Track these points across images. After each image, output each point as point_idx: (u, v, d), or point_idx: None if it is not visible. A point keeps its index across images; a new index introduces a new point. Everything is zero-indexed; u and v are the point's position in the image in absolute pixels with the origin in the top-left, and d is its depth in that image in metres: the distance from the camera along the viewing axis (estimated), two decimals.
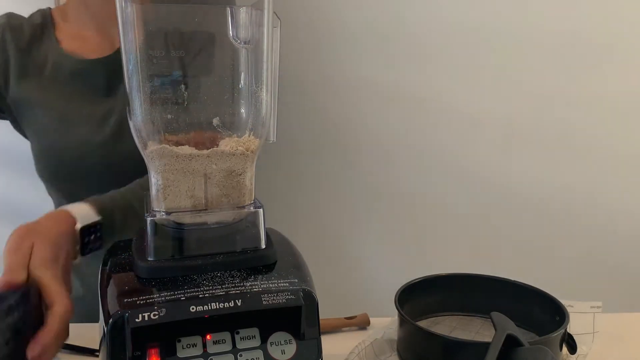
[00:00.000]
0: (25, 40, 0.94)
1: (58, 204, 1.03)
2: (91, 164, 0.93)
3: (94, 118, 0.92)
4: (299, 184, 1.37)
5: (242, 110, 0.59)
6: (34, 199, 1.01)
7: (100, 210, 0.73)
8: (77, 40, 0.96)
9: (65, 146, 0.92)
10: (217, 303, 0.51)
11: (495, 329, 0.53)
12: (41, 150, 0.95)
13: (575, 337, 0.68)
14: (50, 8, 1.01)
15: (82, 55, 0.94)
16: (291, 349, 0.54)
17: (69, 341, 0.69)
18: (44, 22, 0.97)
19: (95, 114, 0.93)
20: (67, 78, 0.93)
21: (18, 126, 0.98)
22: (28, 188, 0.98)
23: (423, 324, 0.73)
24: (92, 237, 0.72)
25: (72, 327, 0.64)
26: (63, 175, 0.95)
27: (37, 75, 0.94)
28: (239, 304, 0.51)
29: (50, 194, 1.01)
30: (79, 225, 0.69)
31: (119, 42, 0.93)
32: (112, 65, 0.94)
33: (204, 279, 0.54)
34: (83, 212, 0.71)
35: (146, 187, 0.76)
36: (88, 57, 0.94)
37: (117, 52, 0.93)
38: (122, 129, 0.92)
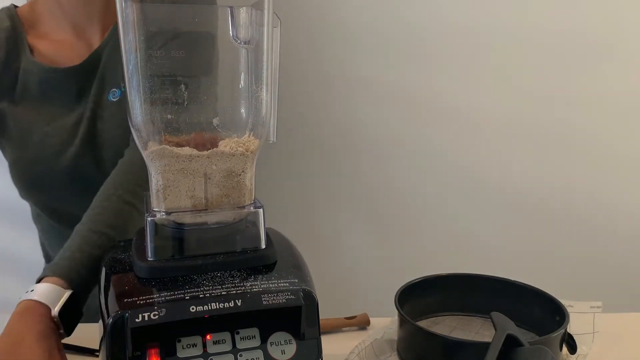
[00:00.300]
0: (3, 49, 0.88)
1: (34, 210, 1.01)
2: (63, 175, 0.89)
3: (64, 128, 0.89)
4: (299, 184, 1.37)
5: (242, 110, 0.59)
6: None
7: (66, 280, 0.63)
8: (50, 46, 0.90)
9: (36, 159, 0.89)
10: (217, 303, 0.51)
11: (495, 329, 0.53)
12: (13, 162, 0.91)
13: (575, 337, 0.68)
14: (15, 6, 0.92)
15: (53, 63, 0.88)
16: (291, 349, 0.54)
17: (69, 341, 0.69)
18: (13, 24, 0.89)
19: (66, 125, 0.89)
20: (37, 88, 0.88)
21: None
22: None
23: (423, 324, 0.73)
24: (72, 312, 0.62)
25: None
26: (34, 186, 0.91)
27: (11, 86, 0.88)
28: (239, 304, 0.51)
29: (23, 198, 0.97)
30: (55, 311, 0.60)
31: (97, 42, 0.92)
32: (83, 73, 0.88)
33: (204, 279, 0.54)
34: (52, 294, 0.61)
35: (97, 224, 0.68)
36: (61, 65, 0.88)
37: (93, 55, 0.89)
38: (92, 136, 0.88)
